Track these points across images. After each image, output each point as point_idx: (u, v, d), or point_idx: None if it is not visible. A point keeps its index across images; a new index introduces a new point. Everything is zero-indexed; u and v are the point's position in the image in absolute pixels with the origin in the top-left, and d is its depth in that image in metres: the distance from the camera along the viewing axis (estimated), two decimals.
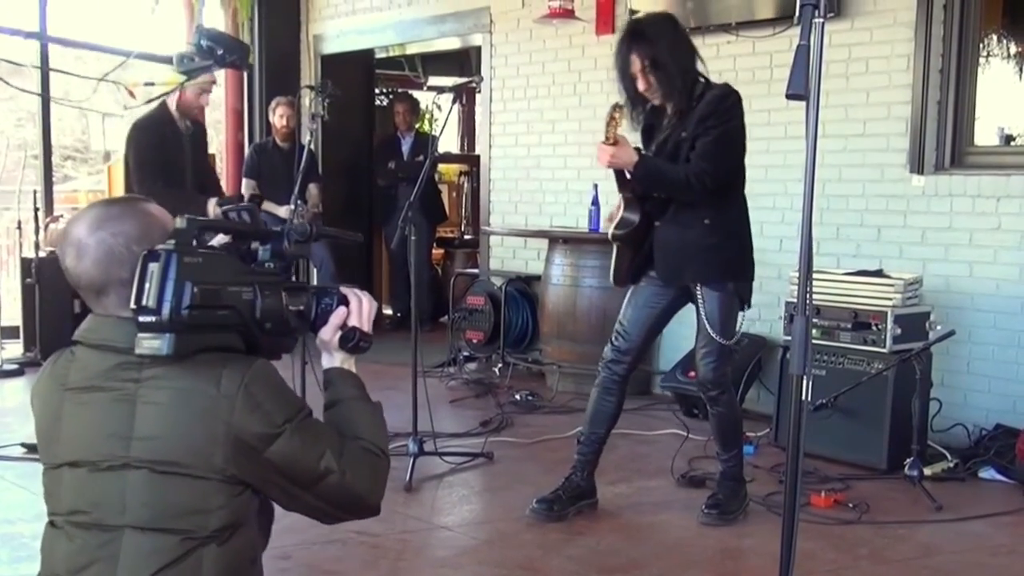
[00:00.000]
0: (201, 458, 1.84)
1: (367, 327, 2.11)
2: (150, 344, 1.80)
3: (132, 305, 1.80)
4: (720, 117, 3.86)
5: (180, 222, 1.85)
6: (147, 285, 1.79)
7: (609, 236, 4.13)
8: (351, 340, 2.09)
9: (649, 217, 4.04)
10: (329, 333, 2.09)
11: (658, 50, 3.85)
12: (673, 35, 3.93)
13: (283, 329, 2.00)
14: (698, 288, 3.98)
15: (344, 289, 2.12)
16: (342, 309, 2.09)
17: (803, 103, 2.06)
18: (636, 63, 3.88)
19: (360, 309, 2.10)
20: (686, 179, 3.85)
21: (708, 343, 4.01)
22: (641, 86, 3.91)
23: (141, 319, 1.80)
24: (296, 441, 1.89)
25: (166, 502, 1.85)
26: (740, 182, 4.06)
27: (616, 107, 3.88)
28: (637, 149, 3.97)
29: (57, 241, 1.93)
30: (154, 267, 1.80)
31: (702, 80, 3.95)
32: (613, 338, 4.16)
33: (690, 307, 4.11)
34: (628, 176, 3.96)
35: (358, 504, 2.02)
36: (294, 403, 1.94)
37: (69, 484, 1.93)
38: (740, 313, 4.05)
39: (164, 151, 5.37)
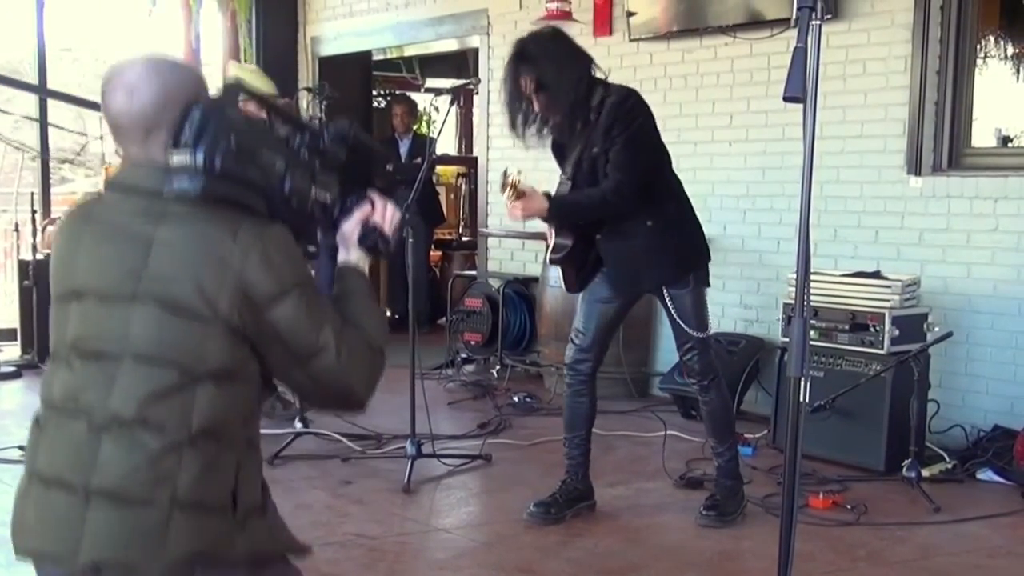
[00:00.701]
0: (208, 303, 1.86)
1: (388, 230, 2.15)
2: (180, 183, 1.87)
3: (170, 142, 1.87)
4: (622, 123, 3.83)
5: (228, 80, 1.92)
6: (187, 126, 1.87)
7: (547, 262, 4.14)
8: (371, 238, 2.13)
9: (586, 234, 4.02)
10: (351, 226, 2.13)
11: (542, 70, 3.83)
12: (556, 50, 3.89)
13: (304, 213, 2.03)
14: (664, 292, 3.98)
15: (371, 193, 2.17)
16: (367, 206, 2.14)
17: (801, 105, 2.06)
18: (527, 85, 3.87)
19: (384, 211, 2.16)
20: (603, 199, 3.85)
21: (688, 339, 4.01)
22: (538, 107, 3.89)
23: (176, 157, 1.87)
24: (301, 308, 1.91)
25: (168, 338, 1.87)
26: (667, 173, 4.03)
27: (506, 174, 3.84)
28: (546, 194, 3.93)
29: (105, 82, 1.97)
30: (198, 112, 1.88)
31: (600, 86, 3.92)
32: (573, 337, 4.15)
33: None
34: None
35: (347, 393, 2.02)
36: (306, 273, 1.97)
37: (76, 314, 1.96)
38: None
39: None
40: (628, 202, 3.85)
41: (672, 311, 3.98)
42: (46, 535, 1.92)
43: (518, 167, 3.91)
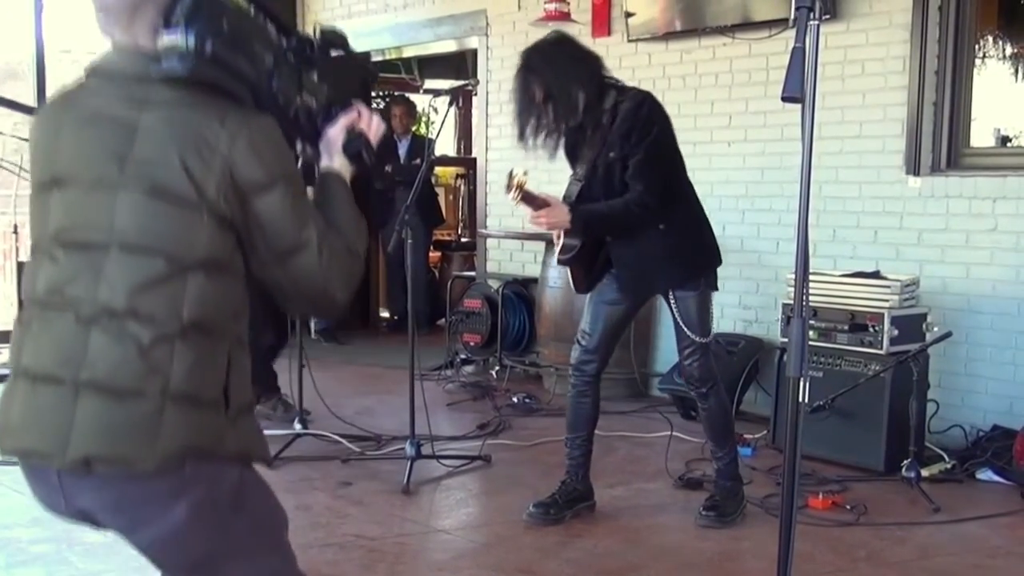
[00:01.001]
0: (195, 186, 1.83)
1: (373, 140, 2.13)
2: (169, 63, 1.83)
3: (161, 22, 1.84)
4: (641, 131, 3.82)
5: None
6: (179, 7, 1.83)
7: (556, 262, 4.13)
8: (355, 145, 2.10)
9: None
10: (336, 132, 2.10)
11: (548, 79, 3.83)
12: (560, 57, 3.89)
13: (289, 116, 2.00)
14: (670, 294, 3.97)
15: (356, 102, 2.14)
16: (353, 113, 2.11)
17: (799, 105, 2.06)
18: (533, 94, 3.87)
19: (370, 120, 2.13)
20: (626, 210, 3.84)
21: (690, 343, 4.01)
22: (551, 116, 3.88)
23: (166, 38, 1.83)
24: (286, 202, 1.89)
25: (155, 226, 1.84)
26: (682, 177, 4.04)
27: (511, 175, 3.83)
28: (569, 205, 3.92)
29: None
30: None
31: (613, 89, 3.91)
32: (579, 338, 4.15)
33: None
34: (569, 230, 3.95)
35: (324, 295, 1.98)
36: (293, 167, 1.95)
37: (58, 204, 1.92)
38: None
39: None
40: (652, 212, 3.85)
41: (676, 313, 3.98)
42: (33, 432, 1.87)
43: (524, 168, 3.90)
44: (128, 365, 1.82)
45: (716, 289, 4.08)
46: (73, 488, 1.88)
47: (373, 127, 2.13)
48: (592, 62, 3.93)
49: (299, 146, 2.09)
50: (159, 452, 1.82)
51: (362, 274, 2.07)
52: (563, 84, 3.84)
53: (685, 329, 3.98)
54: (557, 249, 4.12)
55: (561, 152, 4.07)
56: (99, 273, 1.85)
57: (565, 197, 4.01)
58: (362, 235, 2.06)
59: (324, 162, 2.10)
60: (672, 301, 3.98)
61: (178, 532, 1.88)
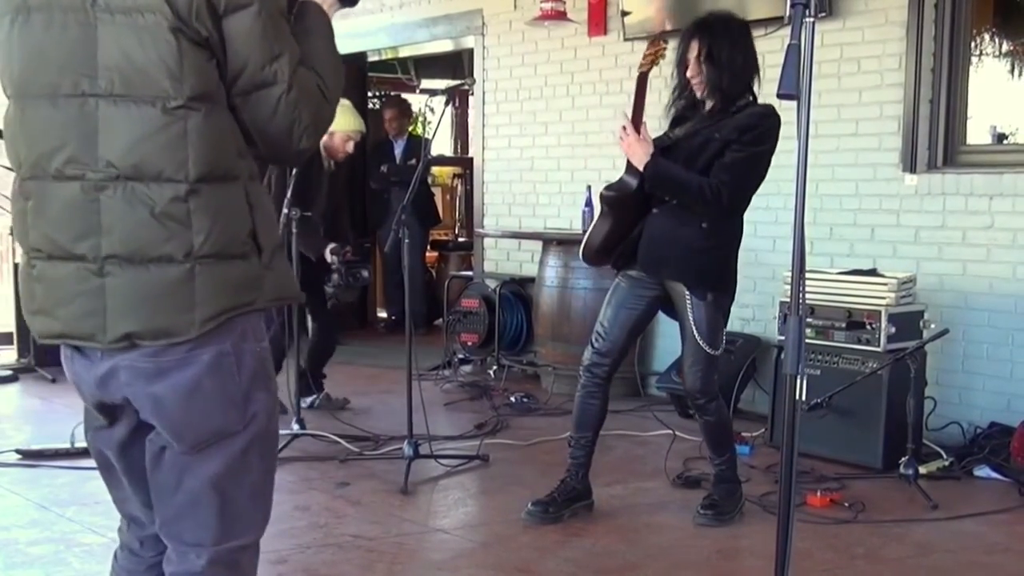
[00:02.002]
0: (163, 1, 1.76)
1: None
2: None
3: None
4: (757, 134, 3.84)
5: None
6: None
7: (599, 195, 4.10)
8: None
9: (647, 198, 4.00)
10: None
11: (717, 44, 3.86)
12: (738, 39, 3.92)
13: None
14: (687, 297, 3.96)
15: None
16: None
17: (795, 103, 2.06)
18: (694, 50, 3.89)
19: None
20: (700, 188, 3.83)
21: (695, 352, 3.99)
22: (690, 72, 3.91)
23: None
24: (258, 24, 1.80)
25: (136, 61, 1.77)
26: (750, 200, 4.04)
27: (659, 41, 3.89)
28: (654, 152, 3.91)
29: None
30: None
31: (751, 96, 3.94)
32: (593, 340, 4.14)
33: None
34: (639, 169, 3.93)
35: (287, 134, 1.86)
36: None
37: (19, 40, 1.84)
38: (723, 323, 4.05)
39: (306, 180, 5.43)
40: (717, 204, 3.84)
41: (690, 316, 3.95)
42: (67, 316, 1.83)
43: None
44: (146, 232, 1.77)
45: (726, 314, 4.05)
46: (110, 364, 1.85)
47: None
48: (754, 64, 3.95)
49: None
50: (198, 319, 1.80)
51: (331, 121, 1.98)
52: (725, 57, 3.85)
53: (695, 334, 3.95)
54: (608, 184, 4.08)
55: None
56: (94, 134, 1.79)
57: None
58: (339, 79, 1.96)
59: None
60: (688, 304, 3.96)
61: (200, 380, 1.85)
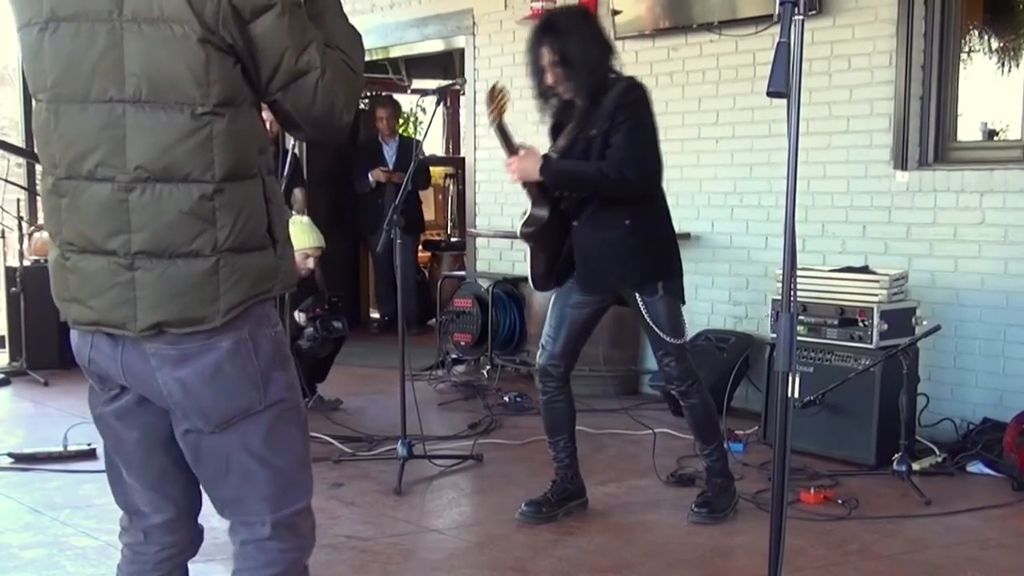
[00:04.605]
0: (190, 12, 1.82)
1: None
2: None
3: None
4: (628, 110, 3.83)
5: None
6: None
7: (518, 234, 4.09)
8: None
9: (564, 216, 4.00)
10: None
11: (567, 45, 3.83)
12: (584, 30, 3.90)
13: None
14: (637, 298, 3.95)
15: None
16: None
17: (785, 100, 2.07)
18: (546, 56, 3.87)
19: None
20: (600, 172, 3.81)
21: (663, 346, 3.98)
22: (550, 79, 3.89)
23: None
24: (284, 22, 1.88)
25: (163, 69, 1.85)
26: (659, 180, 4.01)
27: (496, 89, 3.83)
28: (544, 156, 3.92)
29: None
30: None
31: (614, 76, 3.93)
32: (543, 343, 4.12)
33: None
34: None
35: (330, 114, 1.98)
36: None
37: (49, 50, 1.92)
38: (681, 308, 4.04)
39: None
40: (629, 181, 3.82)
41: (646, 317, 3.94)
42: (101, 306, 1.94)
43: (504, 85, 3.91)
44: (174, 230, 1.88)
45: (682, 301, 4.03)
46: (136, 349, 1.96)
47: None
48: (608, 48, 3.95)
49: None
50: (223, 307, 1.91)
51: (362, 89, 2.08)
52: (580, 54, 3.83)
53: (657, 331, 3.94)
54: (523, 220, 4.06)
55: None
56: (122, 139, 1.88)
57: None
58: (359, 49, 2.08)
59: None
60: (641, 306, 3.94)
61: (220, 364, 1.96)
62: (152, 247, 1.89)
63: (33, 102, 2.01)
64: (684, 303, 4.06)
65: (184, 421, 2.01)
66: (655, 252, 3.98)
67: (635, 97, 3.87)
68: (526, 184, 3.99)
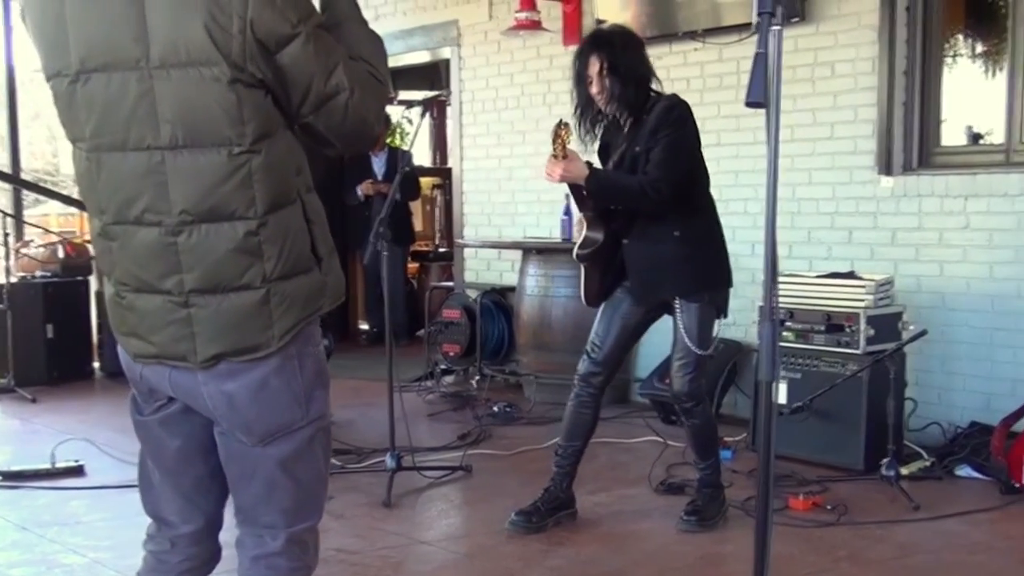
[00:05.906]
0: (217, 53, 1.84)
1: None
2: None
3: None
4: (669, 127, 3.90)
5: None
6: None
7: (574, 256, 4.14)
8: None
9: (615, 235, 4.06)
10: None
11: (617, 56, 3.91)
12: (634, 48, 3.99)
13: None
14: (676, 300, 3.99)
15: None
16: None
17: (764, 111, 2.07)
18: (595, 65, 3.93)
19: None
20: (640, 188, 3.87)
21: (685, 354, 4.01)
22: (594, 89, 3.95)
23: None
24: (310, 48, 1.89)
25: (196, 113, 1.87)
26: (704, 189, 4.08)
27: (561, 124, 3.90)
28: (588, 163, 3.98)
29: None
30: None
31: (654, 95, 4.00)
32: (588, 350, 4.15)
33: (666, 316, 4.11)
34: (583, 191, 3.99)
35: (362, 128, 2.03)
36: (308, 6, 1.95)
37: (83, 101, 1.94)
38: (716, 322, 4.05)
39: None
40: (661, 201, 3.87)
41: (679, 321, 3.98)
42: (161, 341, 2.00)
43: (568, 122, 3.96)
44: (224, 267, 1.93)
45: (724, 313, 4.07)
46: (192, 378, 2.02)
47: None
48: (652, 70, 4.03)
49: None
50: (277, 333, 1.98)
51: (389, 96, 2.13)
52: (627, 68, 3.90)
53: (684, 336, 3.97)
54: (578, 242, 4.11)
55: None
56: (164, 182, 1.91)
57: None
58: (382, 54, 2.10)
59: None
60: (678, 309, 3.99)
61: (267, 379, 2.01)
62: (204, 285, 1.95)
63: (72, 147, 2.03)
64: (726, 316, 4.09)
65: (226, 431, 2.08)
66: (705, 261, 4.03)
67: (678, 114, 3.94)
68: (582, 207, 4.07)
